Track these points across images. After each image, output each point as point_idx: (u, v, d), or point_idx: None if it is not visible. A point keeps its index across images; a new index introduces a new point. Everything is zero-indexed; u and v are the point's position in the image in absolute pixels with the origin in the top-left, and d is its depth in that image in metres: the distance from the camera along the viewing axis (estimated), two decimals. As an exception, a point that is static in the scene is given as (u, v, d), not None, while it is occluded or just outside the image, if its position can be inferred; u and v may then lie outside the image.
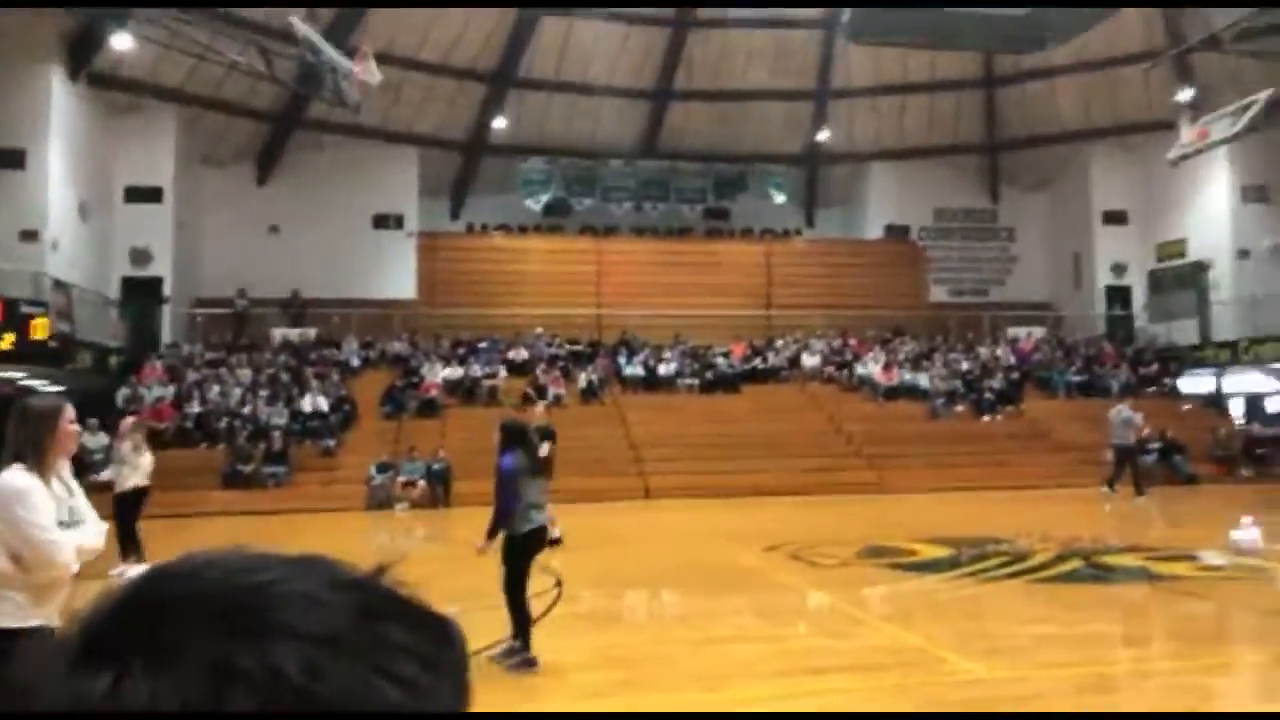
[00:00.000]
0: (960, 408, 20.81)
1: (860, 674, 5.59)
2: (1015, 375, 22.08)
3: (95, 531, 3.38)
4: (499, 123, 23.98)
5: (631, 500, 16.14)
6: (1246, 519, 13.52)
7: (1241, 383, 22.26)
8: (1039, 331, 24.66)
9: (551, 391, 19.00)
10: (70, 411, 3.38)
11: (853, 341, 23.31)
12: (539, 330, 22.48)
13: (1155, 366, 22.56)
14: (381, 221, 23.86)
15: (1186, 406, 21.21)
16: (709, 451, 17.96)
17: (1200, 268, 23.07)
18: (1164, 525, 13.10)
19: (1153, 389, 21.50)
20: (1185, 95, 20.75)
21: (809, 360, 22.49)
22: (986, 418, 20.56)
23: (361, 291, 22.87)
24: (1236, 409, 22.25)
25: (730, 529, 12.78)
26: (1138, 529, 12.50)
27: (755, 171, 26.07)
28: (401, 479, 16.21)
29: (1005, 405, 20.87)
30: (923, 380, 21.51)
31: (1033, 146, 25.63)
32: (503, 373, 20.75)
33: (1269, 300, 20.72)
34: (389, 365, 20.94)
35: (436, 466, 16.39)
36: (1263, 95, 17.37)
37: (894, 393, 21.14)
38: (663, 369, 21.54)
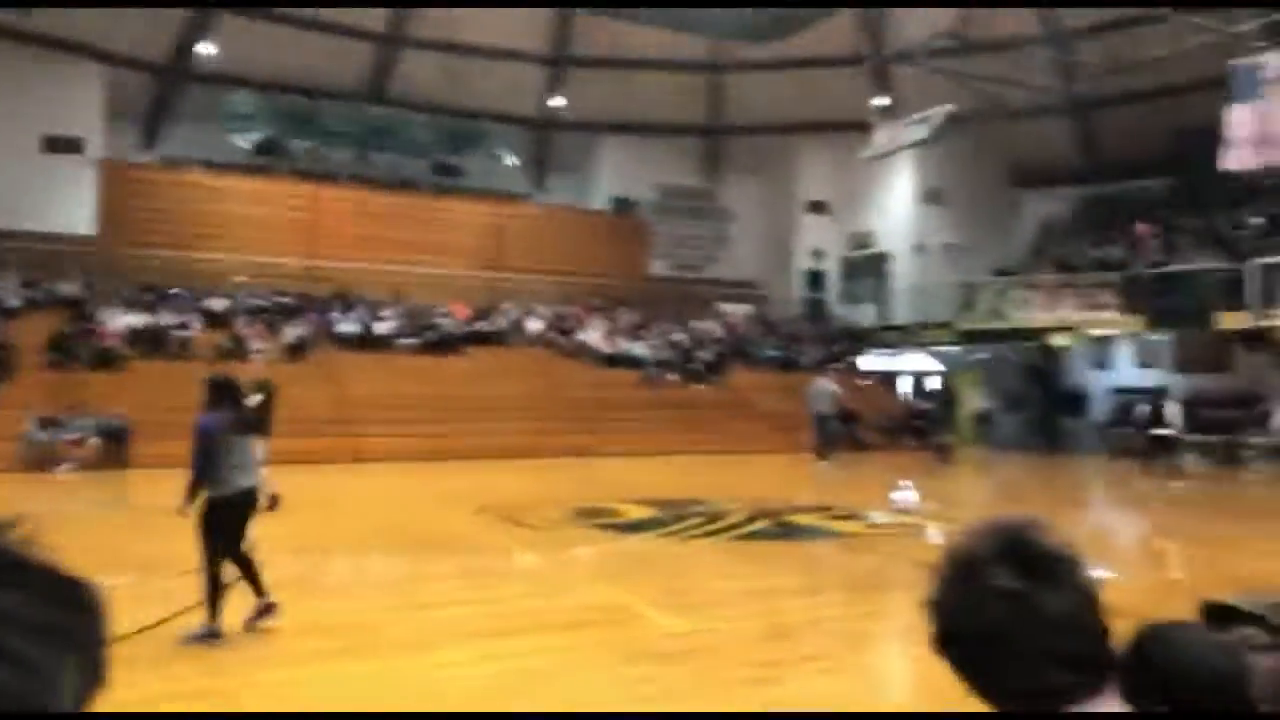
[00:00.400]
0: (672, 376, 21.89)
1: (567, 632, 5.72)
2: (723, 348, 23.55)
3: None
4: (205, 48, 21.75)
5: (340, 464, 15.45)
6: (905, 482, 15.40)
7: (910, 362, 25.27)
8: (747, 308, 26.46)
9: (254, 346, 17.68)
10: None
11: (576, 309, 23.74)
12: (241, 278, 20.83)
13: (842, 345, 24.99)
14: (56, 144, 20.88)
15: (865, 382, 23.71)
16: (426, 414, 17.58)
17: (883, 258, 25.79)
18: (841, 488, 14.58)
19: (839, 365, 23.79)
20: (881, 101, 22.97)
21: (533, 325, 22.63)
22: (695, 387, 21.80)
23: (28, 223, 19.90)
24: (905, 386, 25.21)
25: (444, 492, 12.61)
26: (819, 491, 13.82)
27: (488, 131, 25.68)
28: (67, 437, 14.41)
29: (713, 376, 22.23)
30: (639, 349, 22.38)
31: (750, 133, 27.27)
32: (197, 323, 19.04)
33: (936, 290, 23.61)
34: (58, 308, 18.47)
35: (112, 423, 14.72)
36: (943, 109, 19.61)
37: (612, 360, 21.82)
38: (380, 327, 20.74)
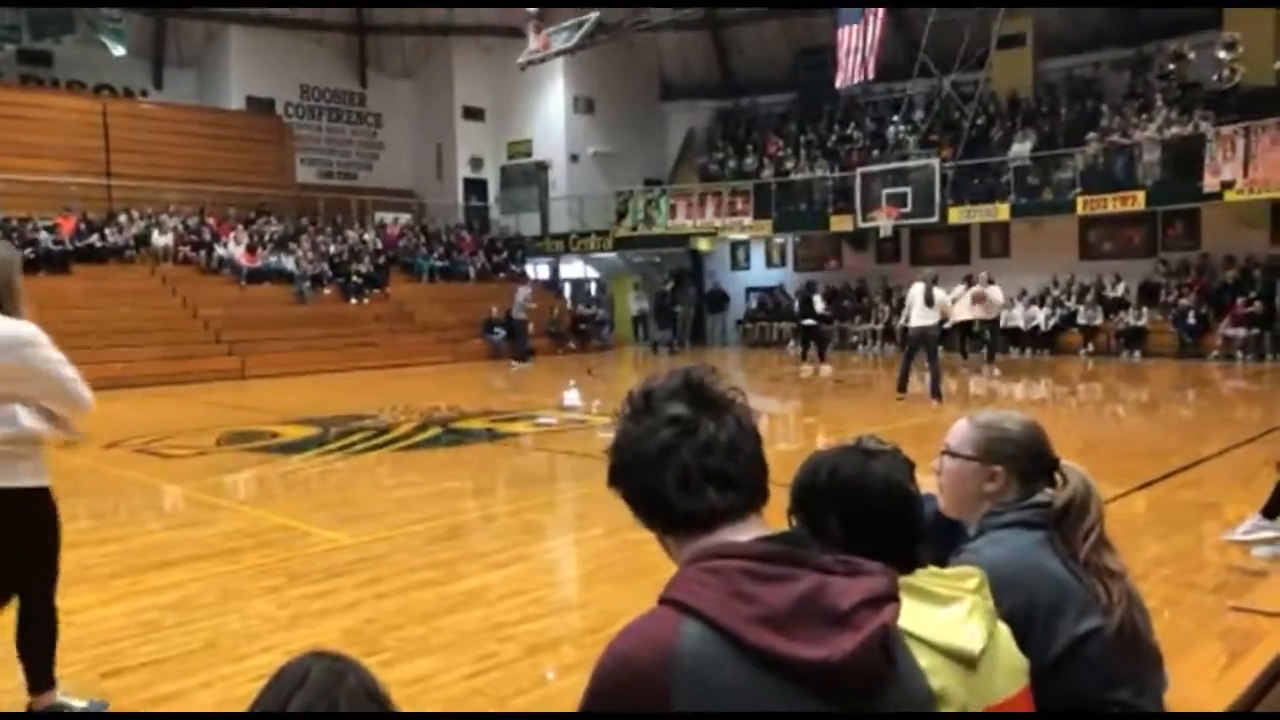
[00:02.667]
0: (328, 291, 20.72)
1: (216, 560, 5.28)
2: (382, 259, 22.63)
3: None
4: None
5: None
6: (570, 383, 15.98)
7: (571, 270, 25.97)
8: (405, 218, 25.54)
9: None
10: None
11: (212, 220, 21.48)
12: None
13: (506, 254, 25.03)
14: None
15: (529, 289, 24.02)
16: (32, 342, 15.17)
17: (542, 167, 25.97)
18: (510, 391, 14.77)
19: (503, 275, 23.86)
20: (533, 7, 22.70)
21: (161, 239, 20.18)
22: (354, 300, 20.82)
23: None
24: (568, 292, 25.91)
25: (62, 428, 11.01)
26: (488, 396, 13.89)
27: (87, 14, 21.95)
28: None
29: (372, 288, 21.34)
30: (289, 263, 20.84)
31: (401, 34, 25.88)
32: None
33: (591, 200, 24.29)
34: None
35: None
36: (591, 16, 19.85)
37: (258, 275, 20.14)
38: (-38, 244, 17.39)
